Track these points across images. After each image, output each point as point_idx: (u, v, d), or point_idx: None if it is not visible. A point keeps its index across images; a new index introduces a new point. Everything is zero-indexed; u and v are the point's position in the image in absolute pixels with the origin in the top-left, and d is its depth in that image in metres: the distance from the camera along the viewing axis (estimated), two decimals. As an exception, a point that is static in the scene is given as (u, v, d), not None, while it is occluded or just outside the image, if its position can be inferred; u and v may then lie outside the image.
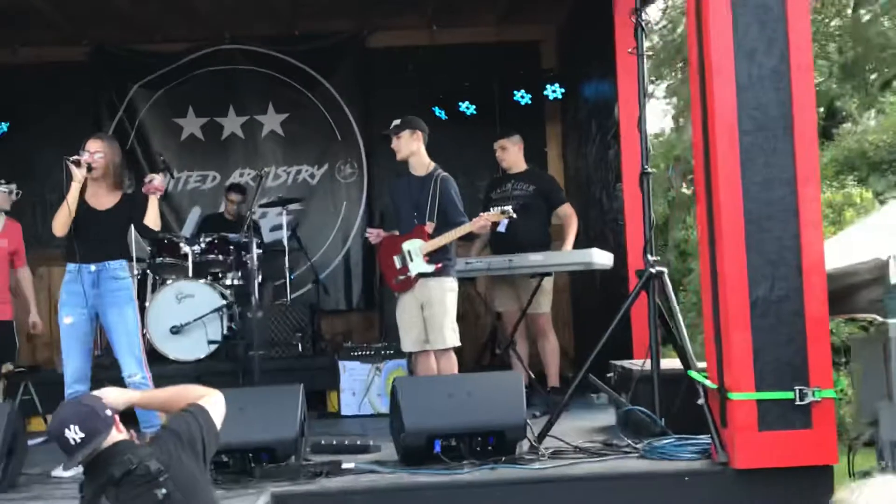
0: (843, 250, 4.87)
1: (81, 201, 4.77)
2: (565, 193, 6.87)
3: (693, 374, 4.39)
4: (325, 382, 6.46)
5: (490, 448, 4.37)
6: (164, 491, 2.81)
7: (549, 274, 6.19)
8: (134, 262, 5.02)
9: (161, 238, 6.78)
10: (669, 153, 12.89)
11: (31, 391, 6.04)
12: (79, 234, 4.75)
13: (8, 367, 6.04)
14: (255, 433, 4.22)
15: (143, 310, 6.10)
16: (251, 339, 6.14)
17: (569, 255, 6.09)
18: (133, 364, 4.82)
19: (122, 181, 4.98)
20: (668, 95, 15.32)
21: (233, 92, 8.40)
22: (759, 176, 4.14)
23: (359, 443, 4.83)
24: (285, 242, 7.42)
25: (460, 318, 5.44)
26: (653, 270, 4.66)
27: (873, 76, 13.22)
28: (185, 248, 6.91)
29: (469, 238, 6.07)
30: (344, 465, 4.31)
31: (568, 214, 6.46)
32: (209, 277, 6.91)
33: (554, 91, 7.98)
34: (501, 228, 6.13)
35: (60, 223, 4.76)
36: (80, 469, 2.96)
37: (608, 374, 5.41)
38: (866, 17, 13.03)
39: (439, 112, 7.95)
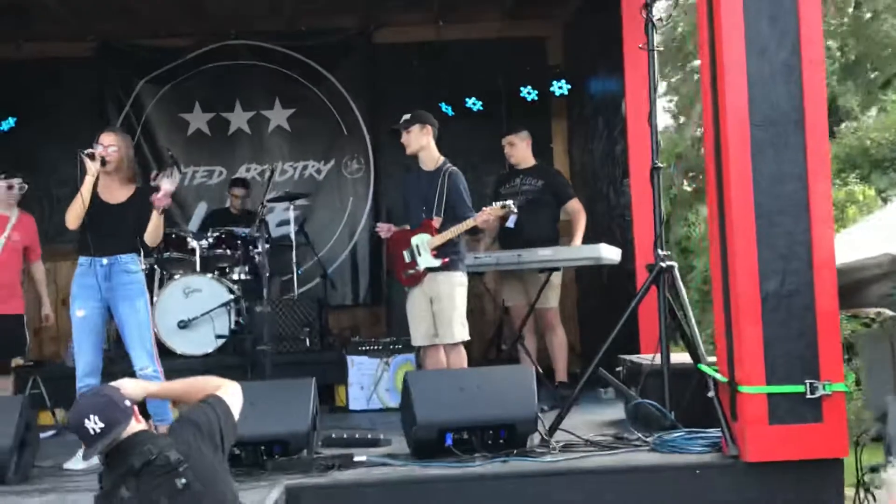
0: (849, 246, 4.88)
1: (94, 195, 4.76)
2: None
3: (703, 367, 4.41)
4: (334, 377, 6.48)
5: (501, 441, 4.38)
6: (183, 481, 2.83)
7: (557, 269, 6.21)
8: (141, 257, 5.03)
9: (168, 233, 6.78)
10: (671, 151, 12.89)
11: (39, 385, 6.06)
12: (91, 228, 4.75)
13: (18, 361, 6.06)
14: (267, 426, 4.23)
15: (150, 304, 6.11)
16: (259, 334, 6.16)
17: (577, 251, 6.10)
18: (144, 357, 4.83)
19: (134, 175, 4.99)
20: (668, 93, 15.30)
21: (239, 87, 8.39)
22: (770, 170, 4.14)
23: (370, 436, 4.85)
24: (293, 237, 7.41)
25: (468, 313, 5.44)
26: (663, 265, 4.67)
27: (874, 74, 13.22)
28: (193, 243, 6.93)
29: (477, 233, 6.08)
30: (356, 458, 4.32)
31: (576, 210, 6.47)
32: (216, 272, 6.92)
33: (560, 87, 7.99)
34: (510, 224, 6.13)
35: (74, 216, 4.75)
36: (92, 462, 2.97)
37: (617, 369, 5.42)
38: (868, 16, 13.02)
39: (446, 108, 7.95)
